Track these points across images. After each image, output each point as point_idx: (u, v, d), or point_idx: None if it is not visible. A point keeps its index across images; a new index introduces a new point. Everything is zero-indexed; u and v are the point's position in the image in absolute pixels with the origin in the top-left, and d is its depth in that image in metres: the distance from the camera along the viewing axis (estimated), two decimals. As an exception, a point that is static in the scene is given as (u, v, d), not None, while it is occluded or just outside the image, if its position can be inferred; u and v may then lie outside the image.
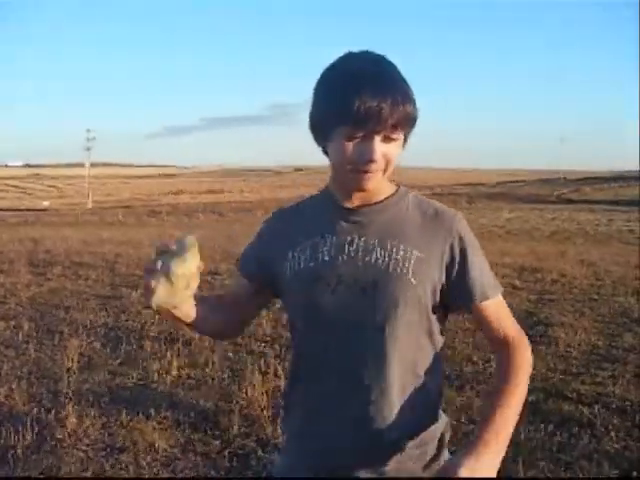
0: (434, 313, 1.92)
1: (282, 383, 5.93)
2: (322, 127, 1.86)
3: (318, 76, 1.89)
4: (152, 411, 5.45)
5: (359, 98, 1.73)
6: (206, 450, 4.82)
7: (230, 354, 7.14)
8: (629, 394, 5.90)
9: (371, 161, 1.80)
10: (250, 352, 7.23)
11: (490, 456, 1.76)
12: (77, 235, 25.23)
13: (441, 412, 2.03)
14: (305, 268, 1.93)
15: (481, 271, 1.95)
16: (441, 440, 2.00)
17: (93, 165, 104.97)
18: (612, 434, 5.06)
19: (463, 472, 1.67)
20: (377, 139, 1.79)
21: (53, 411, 5.46)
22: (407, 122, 1.82)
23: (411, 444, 1.91)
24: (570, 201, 76.08)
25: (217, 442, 4.92)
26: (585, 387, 6.10)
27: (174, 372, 6.45)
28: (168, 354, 6.96)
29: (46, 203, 78.80)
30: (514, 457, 4.58)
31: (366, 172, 1.82)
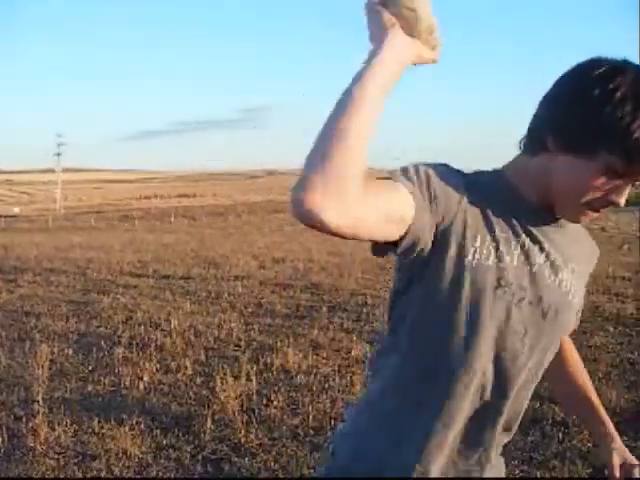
0: None
1: (254, 387, 5.92)
2: (574, 138, 1.52)
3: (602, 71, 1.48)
4: (124, 417, 5.41)
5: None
6: (179, 455, 4.78)
7: (203, 359, 7.11)
8: (601, 392, 5.92)
9: (616, 205, 1.57)
10: (223, 357, 7.20)
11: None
12: (48, 241, 25.07)
13: None
14: (491, 265, 1.58)
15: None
16: None
17: (64, 170, 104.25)
18: (584, 433, 5.08)
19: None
20: (629, 185, 1.54)
21: (24, 419, 5.40)
22: None
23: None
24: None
25: (190, 447, 4.89)
26: (557, 386, 6.12)
27: (146, 378, 6.41)
28: (140, 360, 6.92)
29: (17, 210, 78.26)
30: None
31: (597, 212, 1.59)
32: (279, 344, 7.48)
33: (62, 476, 4.52)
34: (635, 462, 1.85)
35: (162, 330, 8.32)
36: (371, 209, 1.33)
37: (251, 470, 4.56)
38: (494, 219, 1.61)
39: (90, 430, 5.22)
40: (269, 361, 6.89)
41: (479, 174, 1.71)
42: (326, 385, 6.19)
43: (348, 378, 6.35)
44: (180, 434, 5.12)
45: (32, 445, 4.96)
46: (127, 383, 6.30)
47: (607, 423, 1.87)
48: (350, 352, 7.23)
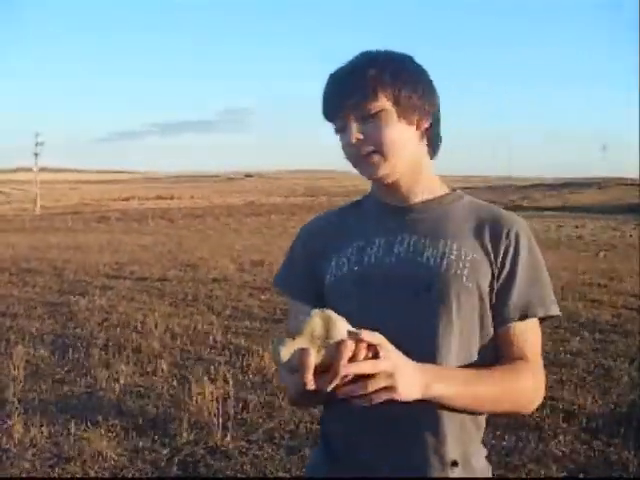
0: (491, 321, 1.76)
1: (231, 390, 5.91)
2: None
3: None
4: (100, 419, 5.39)
5: (325, 91, 1.74)
6: (155, 458, 4.77)
7: (179, 361, 7.10)
8: (576, 398, 5.97)
9: (349, 145, 1.72)
10: (199, 359, 7.19)
11: (415, 373, 1.50)
12: (25, 241, 24.91)
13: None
14: (348, 273, 1.79)
15: (530, 282, 1.76)
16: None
17: (42, 170, 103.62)
18: (560, 437, 5.12)
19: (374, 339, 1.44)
20: (352, 121, 1.71)
21: (-2, 420, 5.38)
22: (378, 86, 1.69)
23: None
24: (520, 208, 77.01)
25: (166, 450, 4.88)
26: (533, 391, 6.16)
27: (122, 380, 6.39)
28: (117, 362, 6.90)
29: (-7, 209, 77.60)
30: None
31: (363, 156, 1.73)
32: (256, 347, 7.47)
33: (38, 478, 4.50)
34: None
35: (138, 332, 8.29)
36: None
37: (227, 473, 4.57)
38: (347, 237, 1.84)
39: (65, 432, 5.20)
40: (246, 364, 6.89)
41: (352, 203, 1.98)
42: (303, 388, 6.18)
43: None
44: (156, 436, 5.11)
45: (6, 446, 4.94)
46: (103, 385, 6.28)
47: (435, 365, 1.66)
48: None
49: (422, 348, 1.66)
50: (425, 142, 1.80)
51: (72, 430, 5.20)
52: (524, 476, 4.53)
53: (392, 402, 1.46)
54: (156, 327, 8.44)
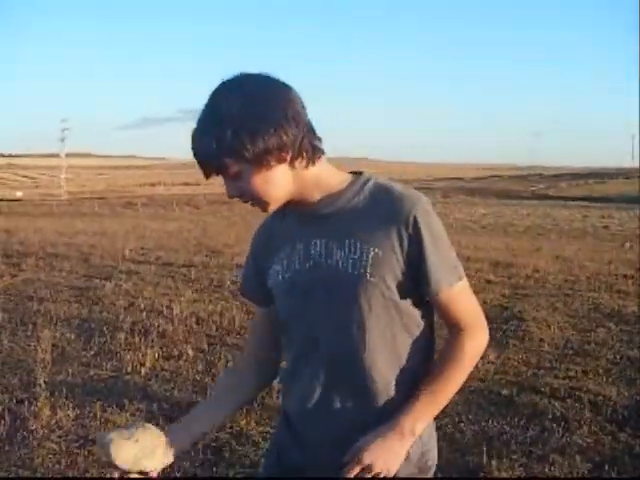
0: (412, 306, 1.94)
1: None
2: None
3: None
4: (126, 403, 5.44)
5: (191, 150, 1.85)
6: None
7: (204, 346, 7.13)
8: (601, 388, 5.95)
9: (230, 197, 1.91)
10: (224, 344, 7.22)
11: (399, 442, 1.90)
12: (51, 226, 25.07)
13: None
14: (282, 280, 2.00)
15: (438, 258, 1.91)
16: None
17: (68, 155, 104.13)
18: (584, 428, 5.10)
19: (366, 457, 1.87)
20: (224, 179, 1.87)
21: (26, 402, 5.43)
22: (223, 157, 1.80)
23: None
24: (545, 197, 76.54)
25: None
26: (558, 381, 6.14)
27: (148, 364, 6.43)
28: (142, 346, 6.94)
29: (19, 193, 78.13)
30: (488, 451, 4.61)
31: (250, 204, 1.92)
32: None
33: (63, 460, 4.54)
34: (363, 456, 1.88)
35: (164, 317, 8.34)
36: None
37: (252, 458, 4.59)
38: (280, 242, 2.02)
39: (92, 414, 5.24)
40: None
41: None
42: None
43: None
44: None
45: (34, 428, 4.99)
46: (129, 369, 6.33)
47: (392, 424, 1.91)
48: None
49: (344, 346, 1.92)
50: (301, 162, 1.87)
51: (98, 413, 5.24)
52: (548, 466, 4.52)
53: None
54: (181, 312, 8.48)
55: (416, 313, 1.97)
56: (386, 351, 1.92)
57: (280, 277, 1.99)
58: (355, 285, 1.87)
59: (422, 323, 1.99)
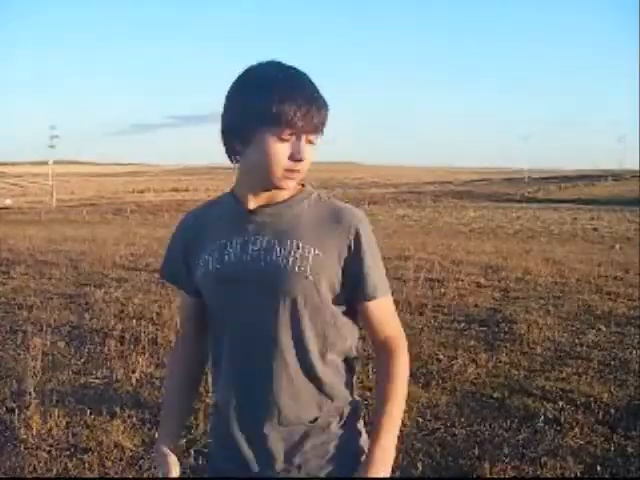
0: (339, 306, 2.05)
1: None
2: (242, 130, 1.95)
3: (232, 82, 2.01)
4: (117, 410, 5.41)
5: (292, 100, 1.89)
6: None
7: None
8: (593, 390, 5.96)
9: (301, 160, 1.95)
10: (216, 351, 7.20)
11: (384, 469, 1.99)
12: (41, 233, 25.01)
13: (342, 392, 2.13)
14: (213, 270, 2.05)
15: (373, 271, 2.03)
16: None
17: (57, 163, 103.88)
18: (576, 430, 5.10)
19: None
20: (304, 141, 1.95)
21: (16, 411, 5.39)
22: (324, 127, 1.98)
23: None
24: (535, 200, 76.76)
25: (182, 441, 4.87)
26: (549, 383, 6.15)
27: (139, 371, 6.41)
28: (133, 353, 6.92)
29: (9, 201, 77.85)
30: (480, 454, 4.62)
31: (293, 171, 1.96)
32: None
33: (54, 468, 4.52)
34: None
35: (155, 324, 8.31)
36: None
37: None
38: (212, 234, 2.08)
39: (82, 423, 5.22)
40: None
41: (216, 200, 2.20)
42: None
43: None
44: (172, 427, 5.11)
45: (24, 437, 4.96)
46: (119, 376, 6.30)
47: (372, 451, 2.01)
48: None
49: (273, 336, 1.99)
50: None
51: (89, 421, 5.22)
52: (540, 469, 4.52)
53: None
54: (172, 319, 8.46)
55: (346, 321, 2.09)
56: (316, 347, 2.02)
57: (210, 266, 2.05)
58: (293, 281, 1.96)
59: (351, 332, 2.12)
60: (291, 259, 1.96)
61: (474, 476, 4.41)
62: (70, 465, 4.57)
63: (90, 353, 7.10)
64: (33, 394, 5.66)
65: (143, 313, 8.94)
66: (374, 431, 2.02)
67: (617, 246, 22.82)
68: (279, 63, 1.99)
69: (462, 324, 8.50)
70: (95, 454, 4.71)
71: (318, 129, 1.95)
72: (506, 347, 7.35)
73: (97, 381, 6.26)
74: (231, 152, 2.04)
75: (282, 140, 1.92)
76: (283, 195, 2.04)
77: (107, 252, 16.06)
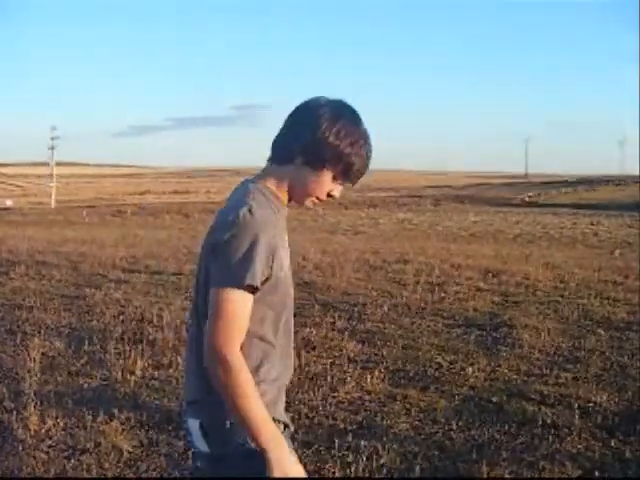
0: None
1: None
2: (319, 157, 2.34)
3: (335, 107, 2.39)
4: (115, 412, 5.41)
5: (366, 165, 2.43)
6: (170, 451, 4.79)
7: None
8: (591, 395, 5.95)
9: (331, 196, 2.46)
10: (215, 353, 7.18)
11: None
12: (41, 234, 25.02)
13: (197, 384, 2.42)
14: (287, 272, 2.45)
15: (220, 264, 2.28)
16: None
17: (58, 164, 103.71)
18: (574, 435, 5.10)
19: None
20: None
21: (15, 412, 5.40)
22: None
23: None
24: (535, 204, 76.73)
25: (181, 443, 4.88)
26: (548, 388, 6.15)
27: (138, 373, 6.40)
28: (132, 355, 6.90)
29: (9, 202, 77.81)
30: (478, 458, 4.61)
31: (321, 201, 2.46)
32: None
33: (52, 469, 4.52)
34: None
35: (154, 325, 8.30)
36: None
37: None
38: (278, 236, 2.38)
39: (81, 424, 5.22)
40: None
41: (263, 193, 2.42)
42: (318, 383, 6.20)
43: (340, 376, 6.37)
44: (171, 429, 5.12)
45: (23, 438, 4.96)
46: (119, 378, 6.29)
47: None
48: (342, 350, 7.24)
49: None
50: None
51: (87, 422, 5.22)
52: (538, 473, 4.52)
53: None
54: (172, 321, 8.46)
55: None
56: None
57: (284, 269, 2.41)
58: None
59: None
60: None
61: (472, 480, 4.42)
62: (68, 466, 4.57)
63: (89, 354, 7.09)
64: (32, 395, 5.66)
65: (143, 315, 8.93)
66: None
67: (617, 251, 22.81)
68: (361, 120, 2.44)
69: (461, 328, 8.49)
70: (93, 455, 4.71)
71: None
72: (505, 351, 7.35)
73: (96, 382, 6.25)
74: (287, 156, 2.39)
75: (334, 180, 2.40)
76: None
77: (107, 254, 16.04)
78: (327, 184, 2.40)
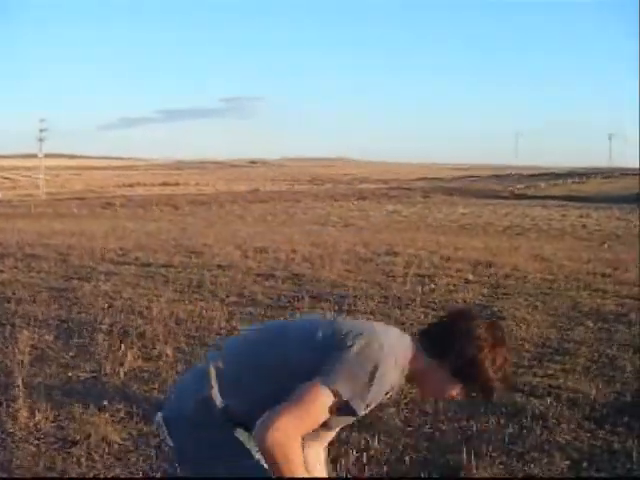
0: None
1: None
2: (468, 372, 2.80)
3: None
4: (105, 404, 5.40)
5: None
6: (159, 442, 4.77)
7: (184, 347, 7.10)
8: (580, 386, 5.98)
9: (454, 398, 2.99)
10: (204, 344, 7.19)
11: None
12: (30, 227, 24.95)
13: None
14: None
15: None
16: None
17: (47, 156, 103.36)
18: (563, 425, 5.12)
19: None
20: None
21: (4, 404, 5.39)
22: None
23: None
24: (524, 197, 76.90)
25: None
26: (537, 379, 6.17)
27: (127, 365, 6.39)
28: (121, 347, 6.90)
29: (-2, 195, 77.53)
30: (467, 449, 4.63)
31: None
32: (260, 333, 7.44)
33: (42, 462, 4.52)
34: None
35: (143, 317, 8.29)
36: None
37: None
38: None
39: (70, 416, 5.21)
40: (250, 350, 6.86)
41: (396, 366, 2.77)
42: (307, 375, 6.19)
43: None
44: (161, 421, 5.10)
45: (11, 430, 4.95)
46: (108, 370, 6.28)
47: None
48: (331, 343, 7.22)
49: None
50: None
51: (77, 414, 5.22)
52: (527, 464, 4.54)
53: None
54: (161, 313, 8.45)
55: None
56: None
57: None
58: None
59: None
60: None
61: (461, 472, 4.43)
62: (58, 458, 4.56)
63: (78, 346, 7.08)
64: (21, 387, 5.64)
65: (132, 307, 8.92)
66: None
67: (606, 243, 22.88)
68: None
69: (451, 320, 8.49)
70: (83, 447, 4.70)
71: None
72: (494, 343, 7.36)
73: (85, 374, 6.24)
74: (438, 352, 2.78)
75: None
76: None
77: (96, 246, 15.98)
78: (457, 390, 2.94)
